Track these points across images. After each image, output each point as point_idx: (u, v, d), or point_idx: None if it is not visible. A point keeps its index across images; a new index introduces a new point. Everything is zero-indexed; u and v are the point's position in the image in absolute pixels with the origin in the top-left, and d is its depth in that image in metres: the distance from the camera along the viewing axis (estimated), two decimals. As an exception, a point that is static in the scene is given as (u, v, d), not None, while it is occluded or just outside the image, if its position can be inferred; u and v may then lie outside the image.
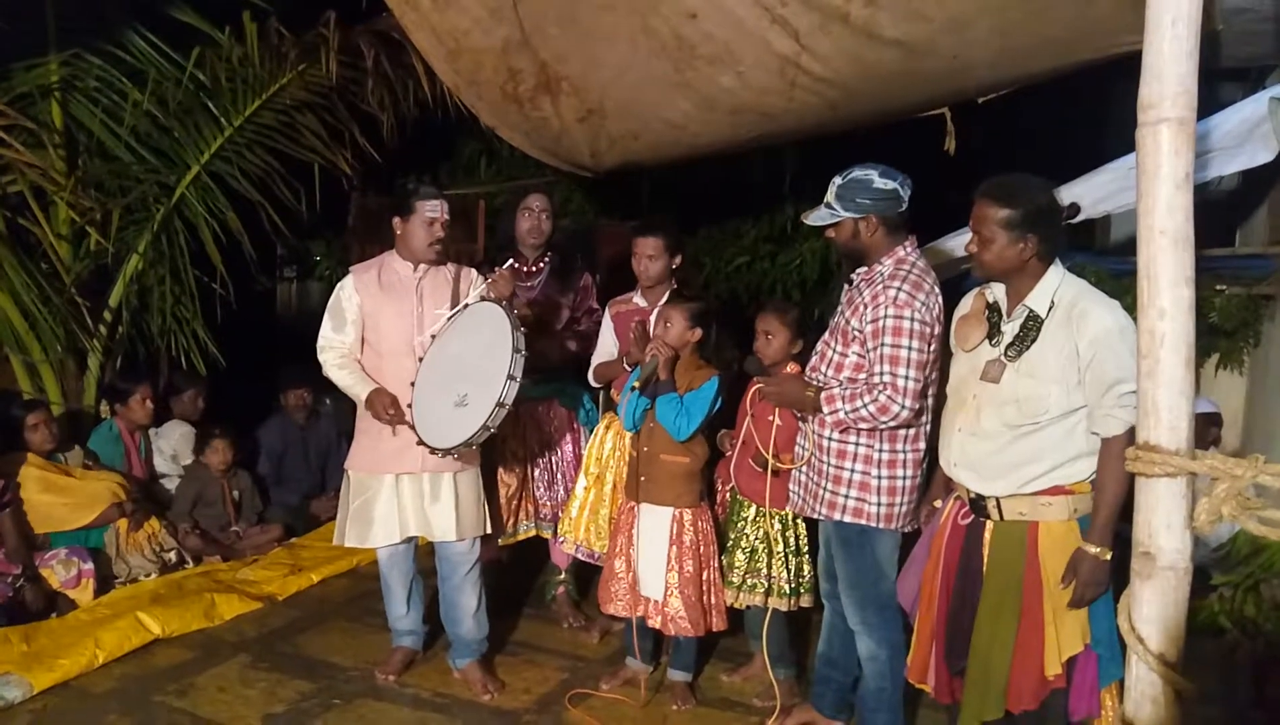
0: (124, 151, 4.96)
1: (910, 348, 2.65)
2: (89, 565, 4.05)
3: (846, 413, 2.71)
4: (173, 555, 4.47)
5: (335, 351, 3.33)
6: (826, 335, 2.92)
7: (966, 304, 2.64)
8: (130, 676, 3.45)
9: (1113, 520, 2.30)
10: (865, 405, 2.68)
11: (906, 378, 2.65)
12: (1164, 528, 1.49)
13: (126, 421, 4.83)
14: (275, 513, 5.16)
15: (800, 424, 2.99)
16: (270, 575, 4.44)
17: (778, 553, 3.25)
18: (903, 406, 2.64)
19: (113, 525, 4.29)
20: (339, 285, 3.39)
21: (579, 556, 3.76)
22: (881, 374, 2.67)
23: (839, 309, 2.94)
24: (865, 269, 2.84)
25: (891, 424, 2.70)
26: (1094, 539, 2.30)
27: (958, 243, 3.74)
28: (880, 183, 2.74)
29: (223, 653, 3.68)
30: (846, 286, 2.99)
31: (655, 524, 3.22)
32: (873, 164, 2.79)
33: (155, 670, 3.51)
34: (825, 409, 2.75)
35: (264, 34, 4.92)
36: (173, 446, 5.02)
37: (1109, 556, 2.29)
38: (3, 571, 3.85)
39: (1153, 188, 1.49)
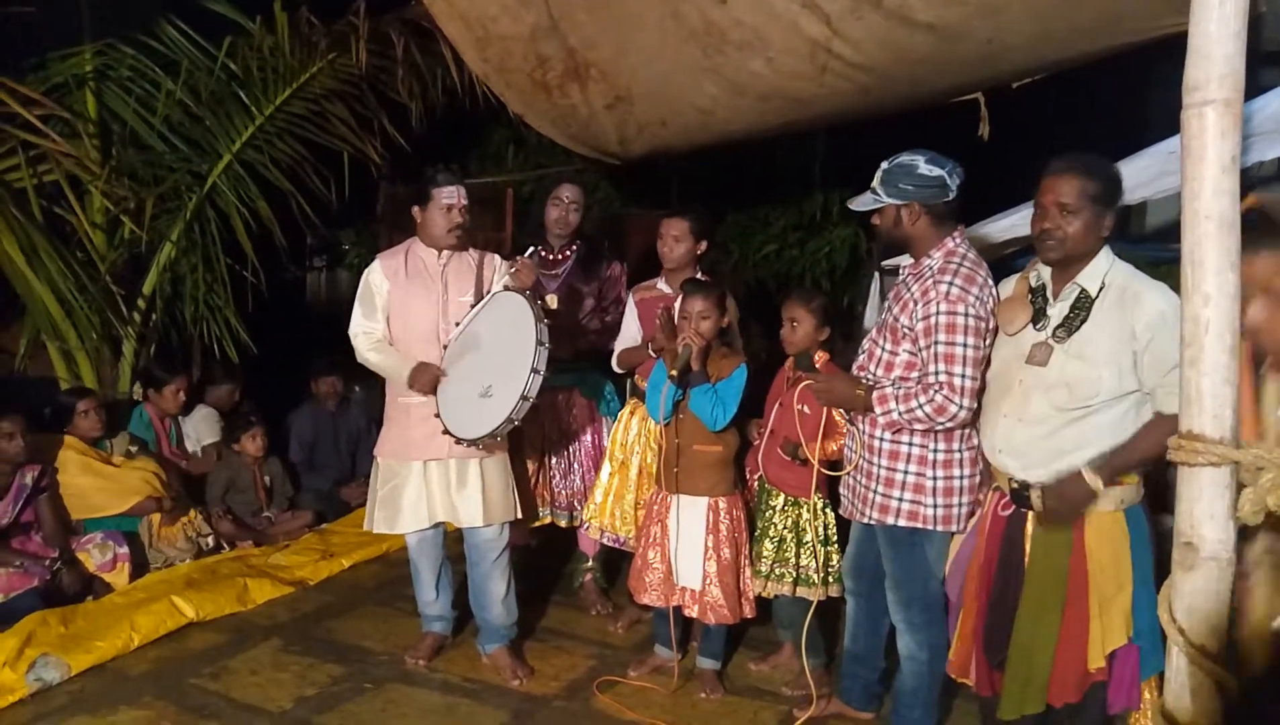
0: (157, 141, 5.01)
1: (966, 345, 2.55)
2: (124, 549, 4.11)
3: (900, 413, 2.63)
4: (210, 540, 4.54)
5: (368, 336, 3.34)
6: (874, 333, 2.85)
7: (1009, 287, 2.59)
8: (165, 659, 3.50)
9: (1126, 468, 2.28)
10: (921, 406, 2.59)
11: (963, 376, 2.55)
12: (1207, 518, 1.46)
13: (157, 408, 4.89)
14: (306, 499, 5.21)
15: (849, 426, 2.95)
16: (302, 560, 4.49)
17: (806, 542, 3.23)
18: (960, 406, 2.56)
19: (146, 518, 4.35)
20: (367, 271, 3.41)
21: (605, 542, 3.77)
22: (937, 373, 2.57)
23: (886, 305, 2.87)
24: (913, 263, 2.76)
25: (949, 425, 2.61)
26: (1099, 470, 2.27)
27: (994, 228, 3.70)
28: (925, 169, 2.65)
29: (255, 637, 3.72)
30: (879, 276, 2.96)
31: (692, 514, 3.22)
32: (921, 150, 2.70)
33: (189, 653, 3.57)
34: (878, 409, 2.67)
35: (294, 23, 4.94)
36: (196, 429, 5.08)
37: (1099, 489, 2.28)
38: (40, 555, 3.92)
39: (1198, 171, 1.45)
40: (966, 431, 2.71)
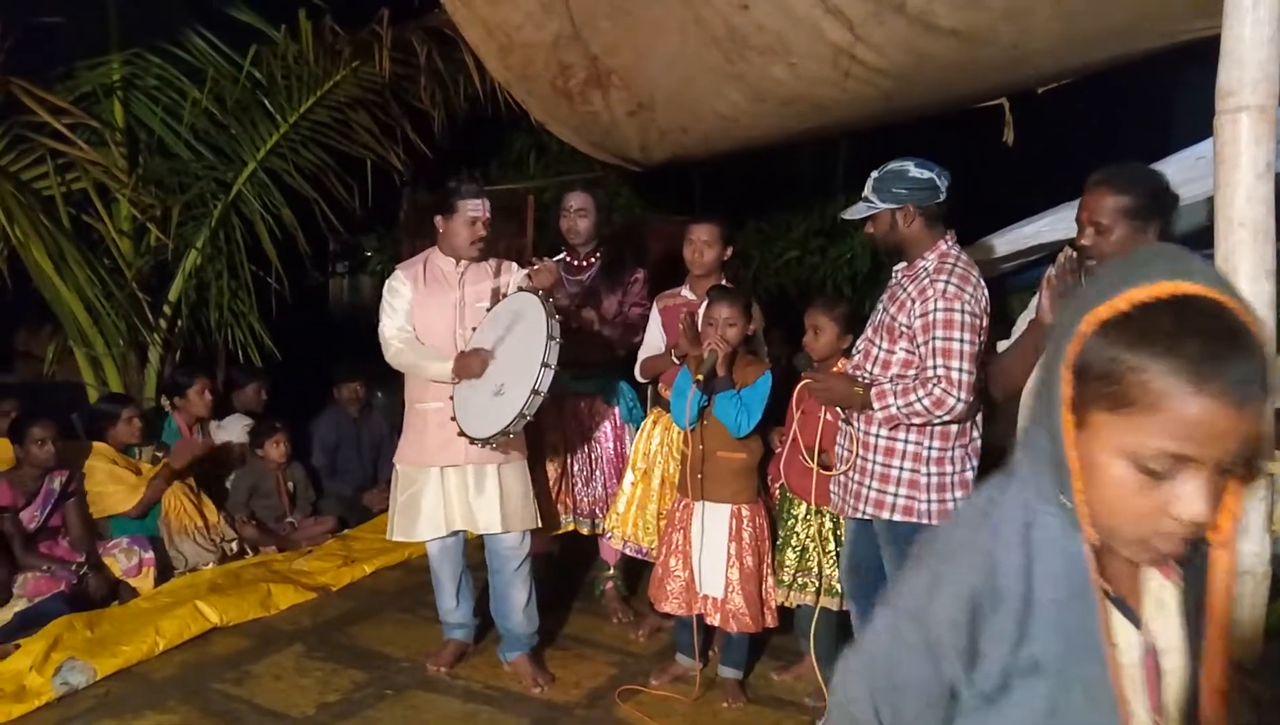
0: (183, 149, 5.07)
1: (963, 340, 2.62)
2: (149, 554, 4.15)
3: (899, 408, 2.67)
4: (233, 545, 4.57)
5: (401, 332, 3.34)
6: (870, 333, 2.88)
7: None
8: (189, 664, 3.52)
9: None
10: (920, 399, 2.63)
11: (960, 370, 2.62)
12: (1241, 531, 1.45)
13: (185, 414, 4.93)
14: (329, 504, 5.23)
15: (842, 425, 2.94)
16: (324, 566, 4.51)
17: (829, 551, 3.21)
18: (958, 399, 2.61)
19: (161, 514, 4.38)
20: (388, 282, 3.43)
21: (627, 552, 3.75)
22: (935, 367, 2.63)
23: (880, 306, 2.90)
24: (905, 265, 2.82)
25: (946, 418, 2.65)
26: None
27: (1019, 234, 3.68)
28: (916, 172, 2.75)
29: (279, 642, 3.74)
30: (888, 282, 2.96)
31: (715, 521, 3.20)
32: (910, 156, 2.79)
33: (213, 658, 3.58)
34: (876, 405, 2.71)
35: (319, 32, 4.98)
36: (233, 439, 5.11)
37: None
38: (67, 559, 3.96)
39: (1232, 177, 1.44)
40: (961, 428, 2.76)
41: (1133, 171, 2.35)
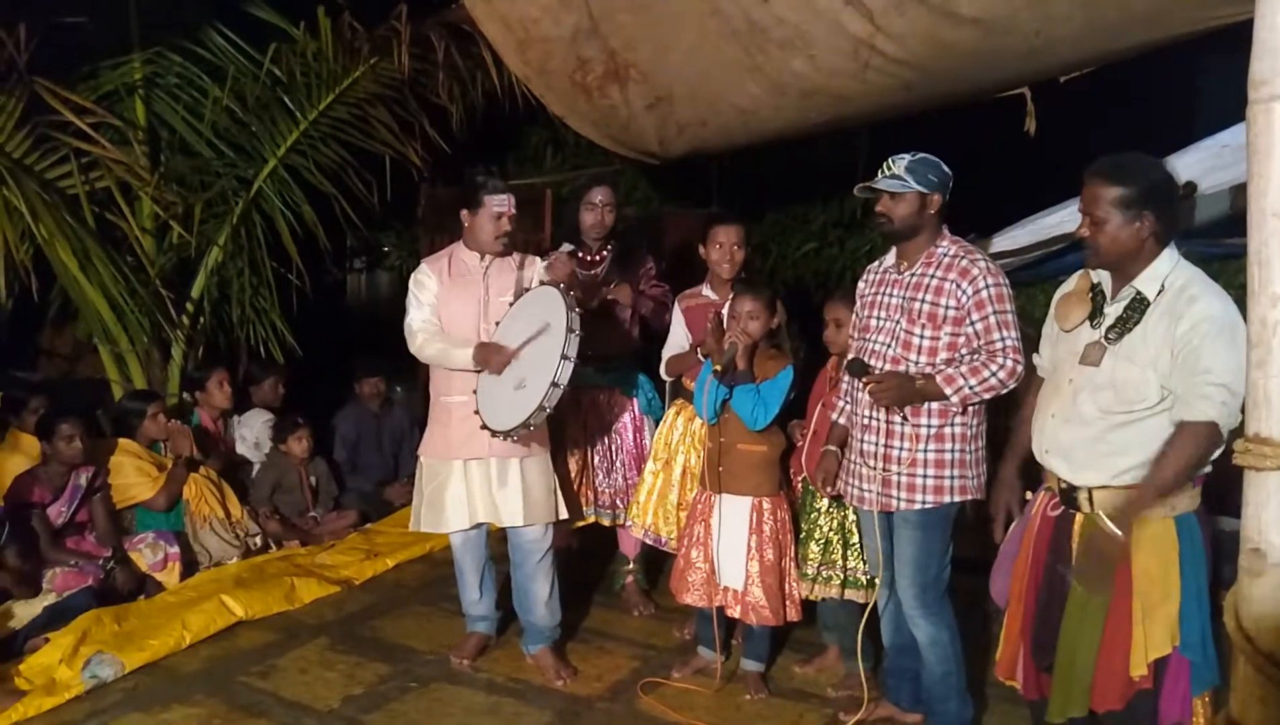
0: (204, 147, 5.10)
1: (1012, 312, 2.76)
2: (175, 549, 4.19)
3: (973, 387, 2.72)
4: (257, 540, 4.61)
5: (426, 326, 3.37)
6: (906, 324, 2.80)
7: (1071, 283, 2.55)
8: (216, 657, 3.56)
9: (1147, 506, 2.21)
10: (994, 373, 2.71)
11: (1019, 339, 2.74)
12: (1275, 523, 1.43)
13: (208, 408, 4.98)
14: (351, 499, 5.26)
15: (870, 421, 2.88)
16: (347, 560, 4.54)
17: (852, 544, 3.21)
18: (1024, 365, 2.71)
19: (185, 505, 4.42)
20: (414, 274, 3.45)
21: (646, 541, 3.75)
22: (1003, 339, 2.73)
23: (891, 297, 2.87)
24: (901, 258, 2.87)
25: (1013, 386, 2.74)
26: (1120, 522, 2.23)
27: (1022, 232, 3.67)
28: (945, 168, 2.82)
29: (303, 635, 3.77)
30: (871, 275, 2.98)
31: (735, 514, 3.20)
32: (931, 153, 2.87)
33: (239, 652, 3.62)
34: (948, 390, 2.74)
35: (337, 29, 4.99)
36: (255, 434, 5.15)
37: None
38: (94, 554, 4.01)
39: (1265, 168, 1.41)
40: (979, 407, 2.85)
41: (1129, 162, 2.32)
